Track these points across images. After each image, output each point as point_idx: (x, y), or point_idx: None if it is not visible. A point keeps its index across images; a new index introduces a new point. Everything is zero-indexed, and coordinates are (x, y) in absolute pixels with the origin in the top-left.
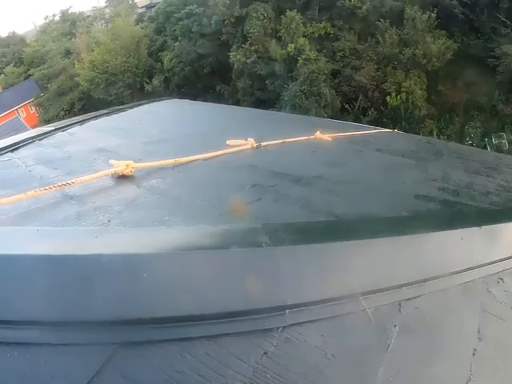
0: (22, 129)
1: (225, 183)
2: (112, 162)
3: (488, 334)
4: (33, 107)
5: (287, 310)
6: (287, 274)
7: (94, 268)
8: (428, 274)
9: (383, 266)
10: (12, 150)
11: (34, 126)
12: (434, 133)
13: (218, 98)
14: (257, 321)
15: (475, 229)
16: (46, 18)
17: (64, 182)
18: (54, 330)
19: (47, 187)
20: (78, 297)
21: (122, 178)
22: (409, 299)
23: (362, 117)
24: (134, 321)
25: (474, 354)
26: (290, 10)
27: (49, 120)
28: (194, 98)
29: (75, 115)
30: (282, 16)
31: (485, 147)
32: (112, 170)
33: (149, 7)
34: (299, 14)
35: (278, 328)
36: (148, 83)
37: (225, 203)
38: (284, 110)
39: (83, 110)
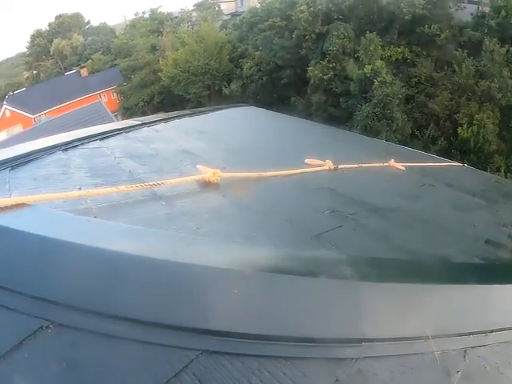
0: (103, 111)
1: (306, 205)
2: (200, 167)
3: None
4: (114, 94)
5: (363, 343)
6: (368, 309)
7: (189, 276)
8: (493, 324)
9: (454, 312)
10: (101, 139)
11: (114, 111)
12: (502, 169)
13: (292, 110)
14: (333, 349)
15: None
16: (136, 14)
17: (154, 182)
18: (141, 327)
19: (138, 184)
20: (169, 300)
21: (208, 184)
22: (473, 347)
23: (430, 145)
24: (219, 332)
25: None
26: (370, 31)
27: (128, 108)
28: (268, 105)
29: (154, 107)
30: (362, 37)
31: None
32: (200, 176)
33: (234, 15)
34: (378, 36)
35: (352, 359)
36: (226, 87)
37: (308, 226)
38: (354, 129)
39: (161, 104)
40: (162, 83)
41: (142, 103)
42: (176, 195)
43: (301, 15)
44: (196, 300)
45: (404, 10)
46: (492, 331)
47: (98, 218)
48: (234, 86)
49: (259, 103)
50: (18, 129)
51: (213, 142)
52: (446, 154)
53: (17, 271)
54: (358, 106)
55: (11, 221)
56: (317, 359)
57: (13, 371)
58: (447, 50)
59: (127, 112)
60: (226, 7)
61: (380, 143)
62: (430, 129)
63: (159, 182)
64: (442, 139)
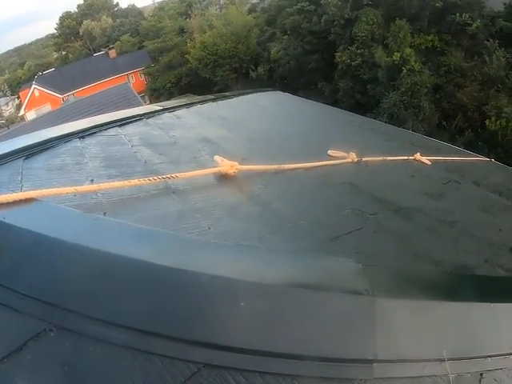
0: (130, 93)
1: (326, 202)
2: (217, 158)
3: None
4: (142, 75)
5: (374, 364)
6: (381, 327)
7: (193, 286)
8: None
9: (474, 332)
10: (120, 125)
11: (141, 92)
12: None
13: (318, 95)
14: (342, 368)
15: None
16: None
17: (168, 175)
18: (143, 337)
19: (151, 178)
20: (172, 310)
21: (225, 177)
22: (490, 371)
23: (457, 136)
24: (223, 346)
25: None
26: (400, 18)
27: (155, 89)
28: (295, 90)
29: (181, 89)
30: (391, 24)
31: None
32: (217, 169)
33: None
34: (408, 23)
35: (362, 380)
36: (253, 70)
37: (326, 227)
38: (381, 117)
39: (189, 85)
40: (190, 65)
41: (169, 85)
42: (190, 189)
43: (330, 0)
44: (200, 311)
45: None
46: (510, 354)
47: (106, 216)
48: (261, 69)
49: (286, 87)
50: (46, 108)
51: (235, 129)
52: (472, 146)
53: (21, 272)
54: (386, 93)
55: (18, 218)
56: (323, 378)
57: (15, 372)
58: (478, 39)
59: (154, 93)
60: None
61: (406, 134)
62: (457, 120)
63: (173, 175)
64: (469, 131)
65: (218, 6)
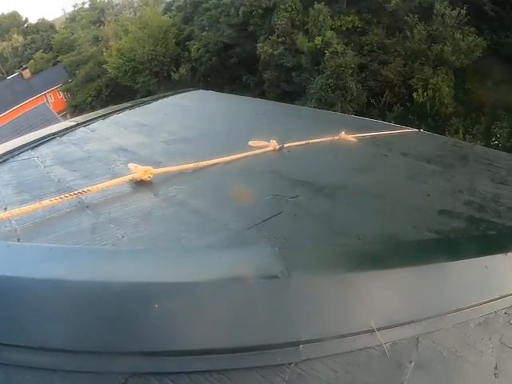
0: (49, 114)
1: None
2: (131, 166)
3: (505, 370)
4: (61, 93)
5: (301, 345)
6: (302, 308)
7: (105, 296)
8: (448, 306)
9: (403, 298)
10: (32, 148)
11: (62, 110)
12: (460, 131)
13: (244, 89)
14: (269, 356)
15: (501, 256)
16: (75, 6)
17: (80, 190)
18: (67, 356)
19: (63, 195)
20: (89, 324)
21: (141, 183)
22: (426, 333)
23: (387, 112)
24: (145, 352)
25: None
26: (318, 2)
27: (76, 105)
28: (220, 87)
29: (102, 101)
30: (310, 8)
31: (511, 148)
32: (130, 177)
33: None
34: (327, 6)
35: (291, 363)
36: (175, 72)
37: (244, 217)
38: (309, 103)
39: (110, 97)
40: (109, 75)
41: (89, 99)
42: (104, 201)
43: None
44: (118, 321)
45: None
46: (447, 313)
47: (20, 241)
48: (182, 70)
49: (210, 85)
50: None
51: (152, 134)
52: (403, 120)
53: None
54: (311, 78)
55: None
56: (252, 369)
57: None
58: (398, 15)
59: (76, 110)
60: None
61: (332, 115)
62: (385, 96)
63: (85, 190)
64: (398, 105)
65: (131, 9)
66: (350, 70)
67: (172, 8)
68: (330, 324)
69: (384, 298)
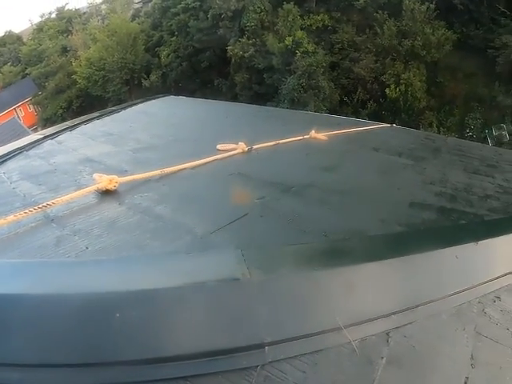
0: (19, 128)
1: (211, 197)
2: (96, 176)
3: (481, 359)
4: (31, 106)
5: (266, 347)
6: (266, 309)
7: (66, 308)
8: (419, 299)
9: (370, 294)
10: None
11: (32, 125)
12: (434, 125)
13: (216, 93)
14: (234, 359)
15: (471, 245)
16: (42, 16)
17: (45, 203)
18: (37, 371)
19: (27, 210)
20: (56, 337)
21: (106, 193)
22: (397, 328)
23: (360, 109)
24: (110, 362)
25: (465, 383)
26: (287, 2)
27: (47, 118)
28: (191, 92)
29: (73, 113)
30: (279, 9)
31: (485, 139)
32: (95, 187)
33: (145, 2)
34: (296, 6)
35: (257, 366)
36: (145, 79)
37: (209, 221)
38: (282, 104)
39: (81, 108)
40: (79, 86)
41: (60, 111)
42: (69, 214)
43: None
44: (80, 332)
45: None
46: (417, 306)
47: None
48: (153, 76)
49: (182, 91)
50: None
51: (120, 144)
52: (377, 116)
53: None
54: (283, 79)
55: None
56: (218, 373)
57: None
58: (367, 13)
59: (47, 123)
60: None
61: (304, 115)
62: (358, 93)
63: (50, 203)
64: (371, 102)
65: (99, 17)
66: (322, 69)
67: (140, 14)
68: (296, 324)
69: (350, 294)
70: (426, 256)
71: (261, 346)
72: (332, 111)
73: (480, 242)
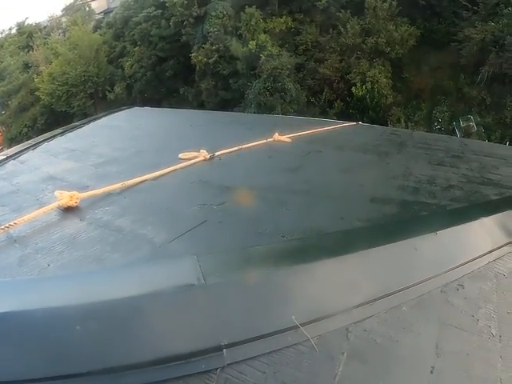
0: None
1: (171, 206)
2: (57, 193)
3: (447, 348)
4: None
5: (224, 350)
6: (221, 312)
7: (27, 325)
8: (379, 291)
9: (327, 290)
10: None
11: None
12: (402, 120)
13: (182, 102)
14: (194, 364)
15: (431, 235)
16: (1, 32)
17: (7, 224)
18: None
19: None
20: (15, 355)
21: (68, 210)
22: (357, 322)
23: (328, 109)
24: (71, 375)
25: (432, 372)
26: (249, 6)
27: (12, 138)
28: (158, 102)
29: (39, 131)
30: (242, 13)
31: (453, 131)
32: (56, 204)
33: (106, 12)
34: (259, 9)
35: (217, 369)
36: (110, 91)
37: (168, 231)
38: (249, 109)
39: (46, 125)
40: (43, 102)
41: (25, 130)
42: (31, 233)
43: (175, 0)
44: (40, 347)
45: None
46: (376, 300)
47: None
48: (117, 88)
49: (147, 101)
50: None
51: (82, 159)
52: (344, 115)
53: None
54: (249, 84)
55: None
56: (179, 378)
57: None
58: (330, 12)
59: (12, 142)
60: (98, 5)
61: (267, 118)
62: (324, 93)
63: (12, 224)
64: (338, 101)
65: (60, 31)
66: (287, 71)
67: (102, 25)
68: (253, 325)
69: (306, 292)
70: (382, 249)
71: (219, 348)
72: (300, 113)
73: (439, 232)
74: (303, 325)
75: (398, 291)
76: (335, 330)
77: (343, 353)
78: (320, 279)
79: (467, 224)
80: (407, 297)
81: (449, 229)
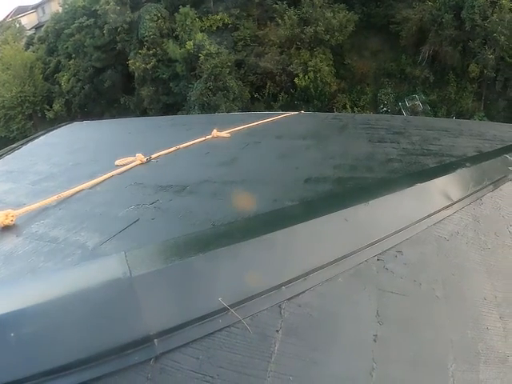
0: None
1: (105, 211)
2: None
3: (389, 315)
4: None
5: (155, 340)
6: (149, 302)
7: None
8: (310, 265)
9: (254, 270)
10: None
11: None
12: (348, 106)
13: (124, 111)
14: (126, 357)
15: (361, 205)
16: None
17: None
18: None
19: None
20: None
21: (5, 229)
22: (290, 298)
23: (273, 103)
24: (7, 382)
25: (375, 341)
26: (183, 5)
27: None
28: (99, 115)
29: None
30: (176, 13)
31: (399, 111)
32: None
33: (38, 27)
34: (193, 9)
35: (150, 360)
36: (49, 110)
37: (98, 235)
38: (193, 111)
39: None
40: None
41: None
42: None
43: (107, 7)
44: None
45: None
46: (308, 274)
47: None
48: (56, 106)
49: (89, 115)
50: None
51: (19, 179)
52: (289, 107)
53: None
54: (190, 86)
55: None
56: (113, 374)
57: None
58: (267, 5)
59: None
60: (28, 21)
61: (208, 117)
62: (268, 88)
63: None
64: (282, 94)
65: None
66: (228, 69)
67: (34, 41)
68: (181, 312)
69: (233, 273)
70: (311, 223)
71: (149, 339)
72: (244, 109)
73: (371, 202)
74: (233, 306)
75: (332, 263)
76: (267, 309)
77: (277, 331)
78: (246, 259)
79: (402, 191)
80: (342, 268)
81: (382, 197)
